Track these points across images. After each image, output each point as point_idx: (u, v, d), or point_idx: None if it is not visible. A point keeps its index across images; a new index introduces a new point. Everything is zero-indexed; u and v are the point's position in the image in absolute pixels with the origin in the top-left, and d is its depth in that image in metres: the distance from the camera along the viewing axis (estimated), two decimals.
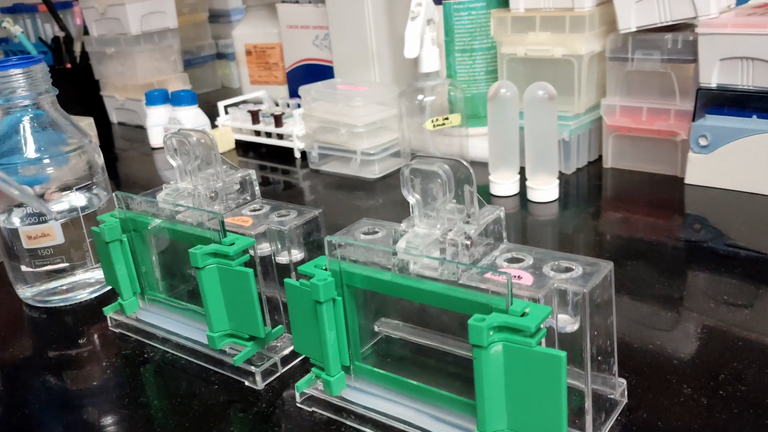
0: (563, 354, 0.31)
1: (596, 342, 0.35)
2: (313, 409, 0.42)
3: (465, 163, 0.36)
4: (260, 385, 0.45)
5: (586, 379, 0.35)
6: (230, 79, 1.41)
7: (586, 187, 0.74)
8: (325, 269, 0.39)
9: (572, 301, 0.35)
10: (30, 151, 0.55)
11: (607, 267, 0.35)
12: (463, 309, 0.35)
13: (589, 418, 0.36)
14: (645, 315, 0.49)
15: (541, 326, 0.32)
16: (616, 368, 0.38)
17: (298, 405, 0.43)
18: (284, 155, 0.93)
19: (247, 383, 0.45)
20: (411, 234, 0.37)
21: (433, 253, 0.36)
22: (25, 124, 0.55)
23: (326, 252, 0.39)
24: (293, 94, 1.06)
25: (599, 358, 0.36)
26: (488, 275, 0.34)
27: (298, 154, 0.91)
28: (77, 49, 1.22)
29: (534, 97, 0.65)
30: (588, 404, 0.36)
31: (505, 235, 0.38)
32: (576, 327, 0.35)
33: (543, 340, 0.32)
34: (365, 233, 0.42)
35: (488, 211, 0.38)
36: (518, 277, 0.35)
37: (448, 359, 0.42)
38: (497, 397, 0.33)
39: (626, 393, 0.40)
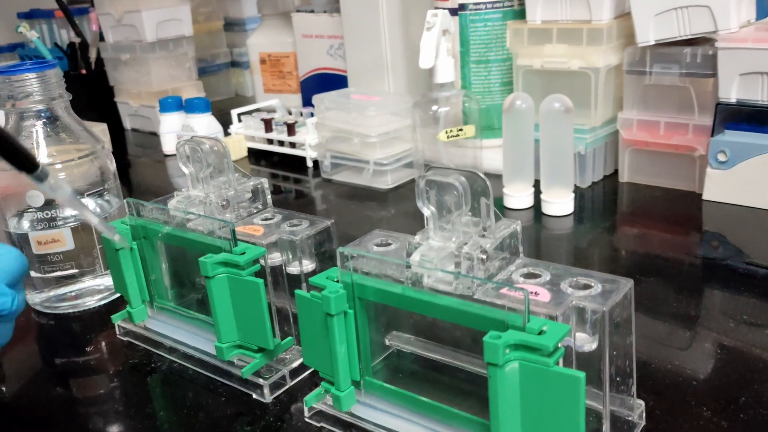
0: (582, 375, 0.30)
1: (615, 362, 0.34)
2: (322, 424, 0.41)
3: (481, 175, 0.35)
4: (268, 398, 0.44)
5: (604, 401, 0.34)
6: (244, 87, 1.42)
7: (601, 201, 0.73)
8: (337, 281, 0.39)
9: (591, 320, 0.34)
10: (42, 156, 0.55)
11: (627, 285, 0.34)
12: (477, 325, 0.34)
13: None
14: (662, 334, 0.48)
15: (559, 345, 0.31)
16: (634, 389, 0.37)
17: (307, 420, 0.42)
18: (296, 164, 0.92)
19: (254, 396, 0.44)
20: (425, 247, 0.36)
21: (447, 267, 0.35)
22: (38, 129, 0.55)
23: (338, 263, 0.39)
24: (306, 103, 1.06)
25: (618, 378, 0.35)
26: (504, 291, 0.33)
27: (310, 163, 0.91)
28: (92, 55, 1.23)
29: (550, 109, 0.64)
30: (606, 427, 0.34)
31: (521, 249, 0.38)
32: (594, 346, 0.34)
33: (561, 360, 0.31)
34: (378, 245, 0.41)
35: (504, 224, 0.37)
36: (535, 293, 0.34)
37: (461, 375, 0.41)
38: (512, 417, 0.32)
39: (644, 415, 0.39)
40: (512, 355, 0.31)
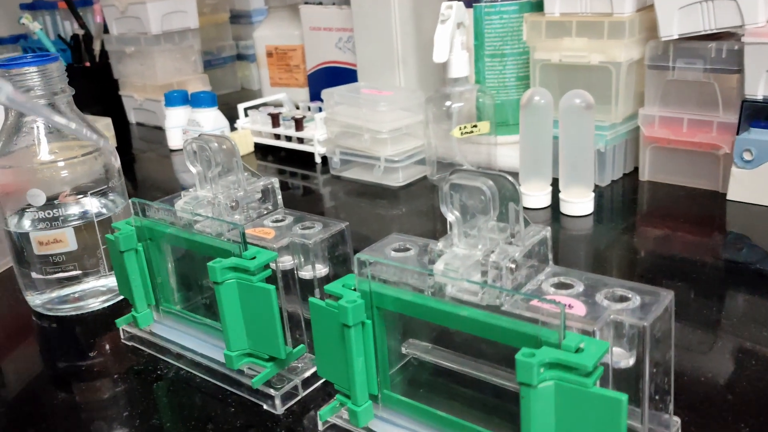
0: (625, 398, 0.27)
1: (654, 379, 0.32)
2: None
3: (510, 178, 0.33)
4: (280, 409, 0.42)
5: (642, 420, 0.32)
6: (250, 81, 1.39)
7: (621, 201, 0.70)
8: (354, 289, 0.37)
9: (628, 335, 0.32)
10: (43, 153, 0.53)
11: (667, 297, 0.32)
12: (506, 340, 0.32)
13: None
14: (693, 343, 0.45)
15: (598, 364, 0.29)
16: (671, 406, 0.35)
17: None
18: (304, 160, 0.90)
19: (265, 407, 0.42)
20: (450, 255, 0.34)
21: (473, 276, 0.33)
22: (39, 125, 0.53)
23: (355, 270, 0.37)
24: (314, 97, 1.03)
25: (656, 396, 0.33)
26: (535, 302, 0.31)
27: (318, 159, 0.89)
28: (97, 47, 1.20)
29: (570, 105, 0.62)
30: None
31: (550, 257, 0.35)
32: (631, 362, 0.32)
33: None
34: (396, 250, 0.39)
35: (533, 230, 0.35)
36: (569, 306, 0.32)
37: (485, 388, 0.39)
38: None
39: None
40: (547, 375, 0.29)
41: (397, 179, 0.79)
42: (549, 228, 0.35)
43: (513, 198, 0.33)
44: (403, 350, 0.42)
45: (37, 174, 0.52)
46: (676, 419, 0.36)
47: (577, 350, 0.29)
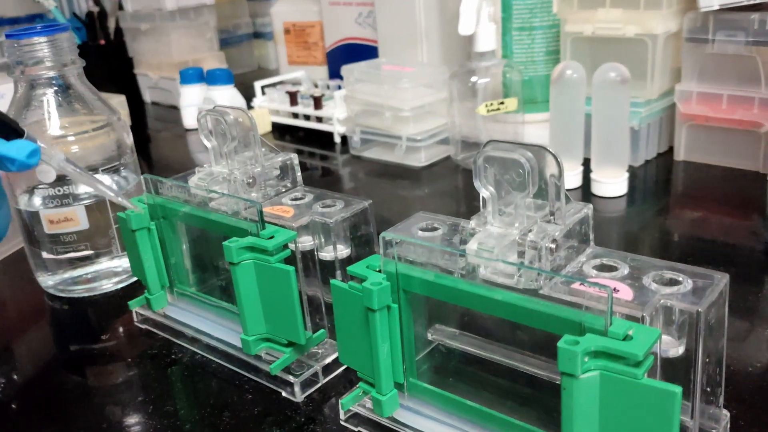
0: (679, 390, 0.25)
1: (706, 370, 0.29)
2: (360, 429, 0.37)
3: (551, 150, 0.30)
4: (299, 396, 0.40)
5: (693, 413, 0.29)
6: (267, 59, 1.37)
7: (655, 181, 0.67)
8: (379, 271, 0.34)
9: (678, 321, 0.29)
10: (54, 128, 0.50)
11: (722, 280, 0.29)
12: (545, 326, 0.29)
13: None
14: (739, 332, 0.42)
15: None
16: (722, 399, 0.32)
17: (342, 423, 0.37)
18: (323, 139, 0.88)
19: (284, 394, 0.40)
20: (483, 234, 0.31)
21: (509, 257, 0.31)
22: (49, 98, 0.51)
23: (380, 251, 0.34)
24: (333, 75, 1.01)
25: (708, 388, 0.30)
26: (578, 285, 0.29)
27: (338, 139, 0.86)
28: (111, 24, 1.18)
29: (605, 79, 0.59)
30: None
31: (592, 237, 0.33)
32: (681, 351, 0.30)
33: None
34: (423, 230, 0.36)
35: (574, 208, 0.32)
36: (615, 289, 0.29)
37: (516, 377, 0.37)
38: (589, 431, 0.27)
39: (728, 426, 0.34)
40: (591, 364, 0.26)
41: (420, 159, 0.76)
42: (591, 206, 0.32)
43: (553, 172, 0.30)
44: (429, 336, 0.40)
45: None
46: (726, 413, 0.33)
47: (625, 338, 0.26)
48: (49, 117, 0.51)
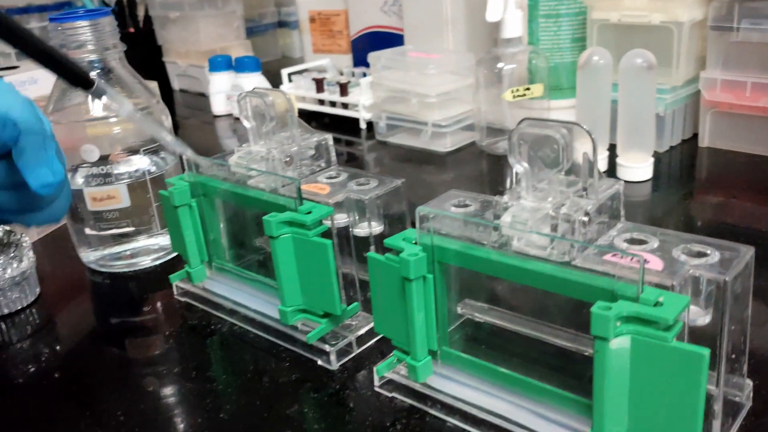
0: (707, 352, 0.26)
1: (732, 338, 0.31)
2: (394, 394, 0.38)
3: (584, 127, 0.31)
4: (335, 365, 0.42)
5: (718, 381, 0.31)
6: (291, 48, 1.38)
7: (679, 167, 0.68)
8: (415, 243, 0.36)
9: (705, 291, 0.30)
10: (96, 109, 0.52)
11: (748, 252, 0.31)
12: (578, 294, 0.30)
13: (717, 424, 0.31)
14: (760, 312, 0.43)
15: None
16: (746, 368, 0.33)
17: (377, 389, 0.39)
18: (349, 126, 0.89)
19: (320, 362, 0.42)
20: (517, 207, 0.33)
21: (542, 230, 0.32)
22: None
23: (416, 224, 0.36)
24: (358, 63, 1.02)
25: (733, 356, 0.31)
26: (609, 257, 0.30)
27: (363, 125, 0.88)
28: (140, 13, 1.20)
29: (631, 65, 0.60)
30: (718, 408, 0.31)
31: (623, 213, 0.34)
32: (707, 320, 0.31)
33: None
34: (455, 206, 0.37)
35: (605, 184, 0.33)
36: (645, 261, 0.30)
37: (547, 349, 0.38)
38: (619, 396, 0.28)
39: (752, 395, 0.35)
40: (623, 329, 0.28)
41: (445, 145, 0.77)
42: (622, 182, 0.33)
43: (587, 149, 0.32)
44: (459, 310, 0.42)
45: (90, 130, 0.52)
46: (749, 381, 0.35)
47: (656, 304, 0.27)
48: (92, 99, 0.52)
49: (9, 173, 0.36)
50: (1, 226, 0.51)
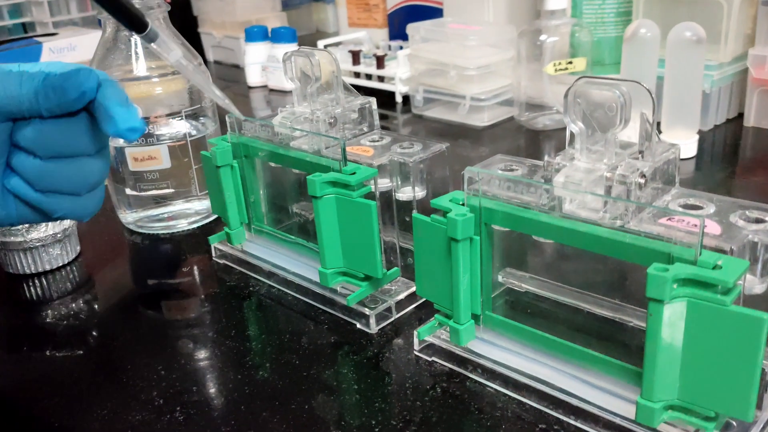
0: (766, 316, 0.26)
1: None
2: (434, 358, 0.38)
3: (645, 86, 0.30)
4: (374, 328, 0.41)
5: None
6: (325, 23, 1.37)
7: (723, 146, 0.66)
8: (463, 204, 0.35)
9: (762, 257, 0.30)
10: (140, 68, 0.53)
11: None
12: (632, 257, 0.30)
13: None
14: None
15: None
16: None
17: (416, 353, 0.39)
18: (385, 99, 0.88)
19: (358, 326, 0.42)
20: (571, 168, 0.32)
21: (597, 191, 0.31)
22: (137, 40, 0.53)
23: (464, 186, 0.35)
24: (394, 37, 1.01)
25: None
26: (663, 220, 0.29)
27: (399, 98, 0.87)
28: None
29: (680, 38, 0.58)
30: None
31: (677, 179, 0.33)
32: (763, 289, 0.30)
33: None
34: (502, 170, 0.37)
35: (662, 147, 0.32)
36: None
37: (588, 317, 0.37)
38: (671, 362, 0.28)
39: None
40: (680, 291, 0.27)
41: (483, 119, 0.76)
42: (679, 146, 0.33)
43: (645, 110, 0.31)
44: (500, 279, 0.41)
45: (133, 89, 0.52)
46: None
47: (714, 267, 0.27)
48: (136, 57, 0.53)
49: (88, 131, 0.33)
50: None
